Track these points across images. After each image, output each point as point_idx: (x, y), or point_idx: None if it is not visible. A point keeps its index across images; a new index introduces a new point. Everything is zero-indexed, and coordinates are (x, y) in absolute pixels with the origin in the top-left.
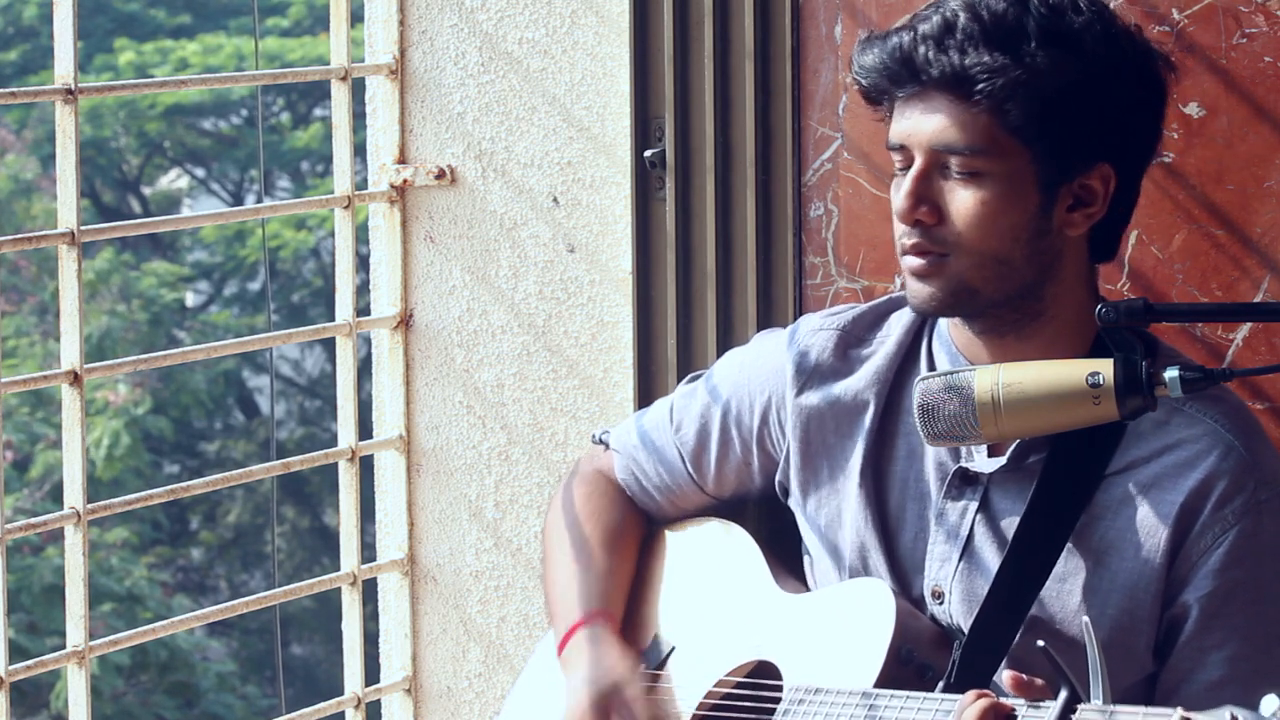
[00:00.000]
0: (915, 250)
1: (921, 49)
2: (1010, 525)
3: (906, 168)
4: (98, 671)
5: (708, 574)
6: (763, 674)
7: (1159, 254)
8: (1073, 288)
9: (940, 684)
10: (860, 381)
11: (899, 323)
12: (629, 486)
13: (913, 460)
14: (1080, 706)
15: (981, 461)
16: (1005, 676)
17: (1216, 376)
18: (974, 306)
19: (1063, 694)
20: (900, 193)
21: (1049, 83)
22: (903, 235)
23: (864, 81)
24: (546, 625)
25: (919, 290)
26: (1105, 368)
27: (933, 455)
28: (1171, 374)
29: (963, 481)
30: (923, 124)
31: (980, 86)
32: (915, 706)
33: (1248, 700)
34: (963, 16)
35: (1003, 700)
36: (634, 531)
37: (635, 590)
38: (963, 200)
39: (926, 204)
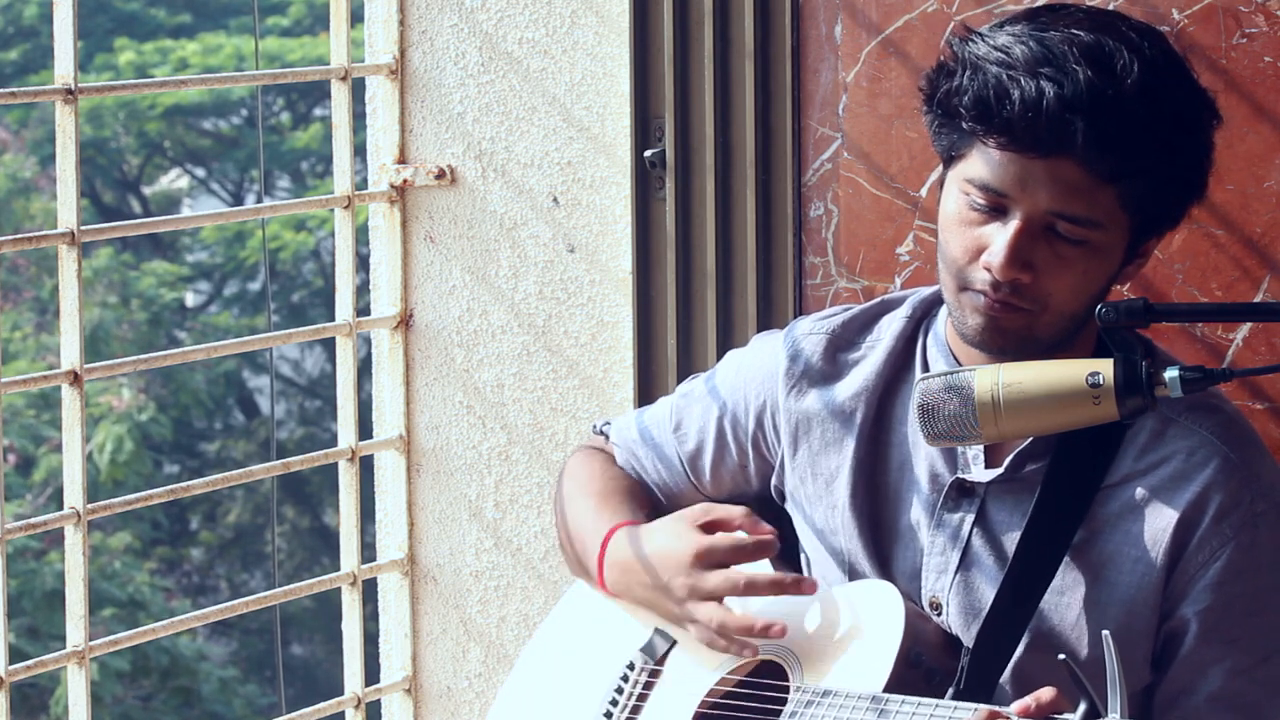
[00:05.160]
0: (1002, 304)
1: (1075, 121)
2: (1008, 536)
3: (990, 208)
4: (98, 677)
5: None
6: (766, 673)
7: (1159, 254)
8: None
9: (951, 690)
10: (849, 388)
11: (889, 327)
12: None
13: (905, 470)
14: None
15: (978, 472)
16: (1013, 707)
17: (1216, 376)
18: (1030, 352)
19: (1082, 707)
20: (1000, 249)
21: (1178, 167)
22: (982, 281)
23: (966, 121)
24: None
25: (985, 330)
26: (1105, 368)
27: (926, 466)
28: (1171, 374)
29: (959, 493)
30: (1043, 187)
31: (1128, 168)
32: (927, 714)
33: (1253, 711)
34: (1101, 84)
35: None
36: (646, 495)
37: None
38: (1065, 267)
39: (1026, 264)
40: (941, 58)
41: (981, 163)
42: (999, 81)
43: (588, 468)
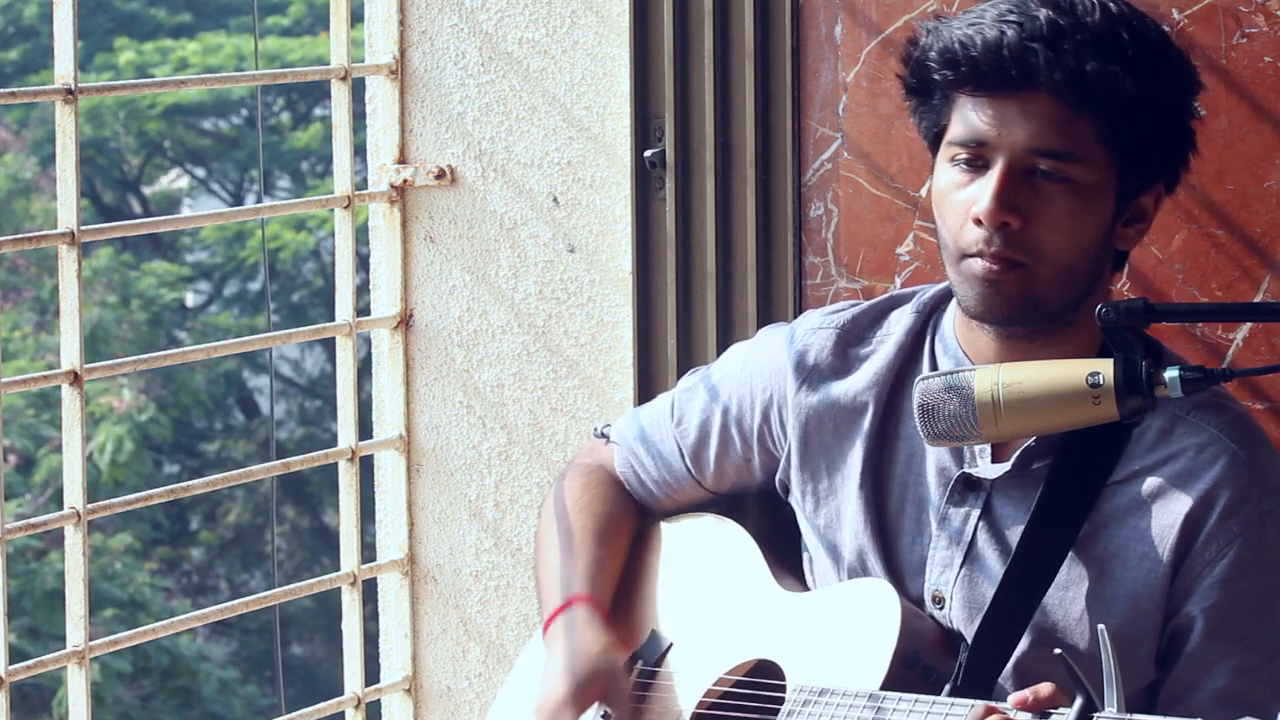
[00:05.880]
0: (996, 257)
1: (1037, 49)
2: (1013, 532)
3: (974, 162)
4: (98, 678)
5: (706, 569)
6: (763, 673)
7: (1159, 254)
8: (1101, 299)
9: (946, 688)
10: (859, 382)
11: (899, 322)
12: (627, 480)
13: (913, 464)
14: (1095, 715)
15: (985, 467)
16: (1010, 700)
17: (1216, 376)
18: (1034, 317)
19: (1078, 702)
20: (987, 194)
21: (1151, 97)
22: (977, 240)
23: (937, 73)
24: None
25: (987, 298)
26: (1105, 368)
27: (934, 459)
28: (1171, 374)
29: (965, 487)
30: (1019, 125)
31: (1096, 94)
32: (924, 711)
33: (1257, 710)
34: (1063, 21)
35: (1012, 715)
36: (627, 523)
37: (631, 584)
38: (1051, 207)
39: (1014, 208)
40: (910, 37)
41: (960, 122)
42: (964, 32)
43: (567, 501)
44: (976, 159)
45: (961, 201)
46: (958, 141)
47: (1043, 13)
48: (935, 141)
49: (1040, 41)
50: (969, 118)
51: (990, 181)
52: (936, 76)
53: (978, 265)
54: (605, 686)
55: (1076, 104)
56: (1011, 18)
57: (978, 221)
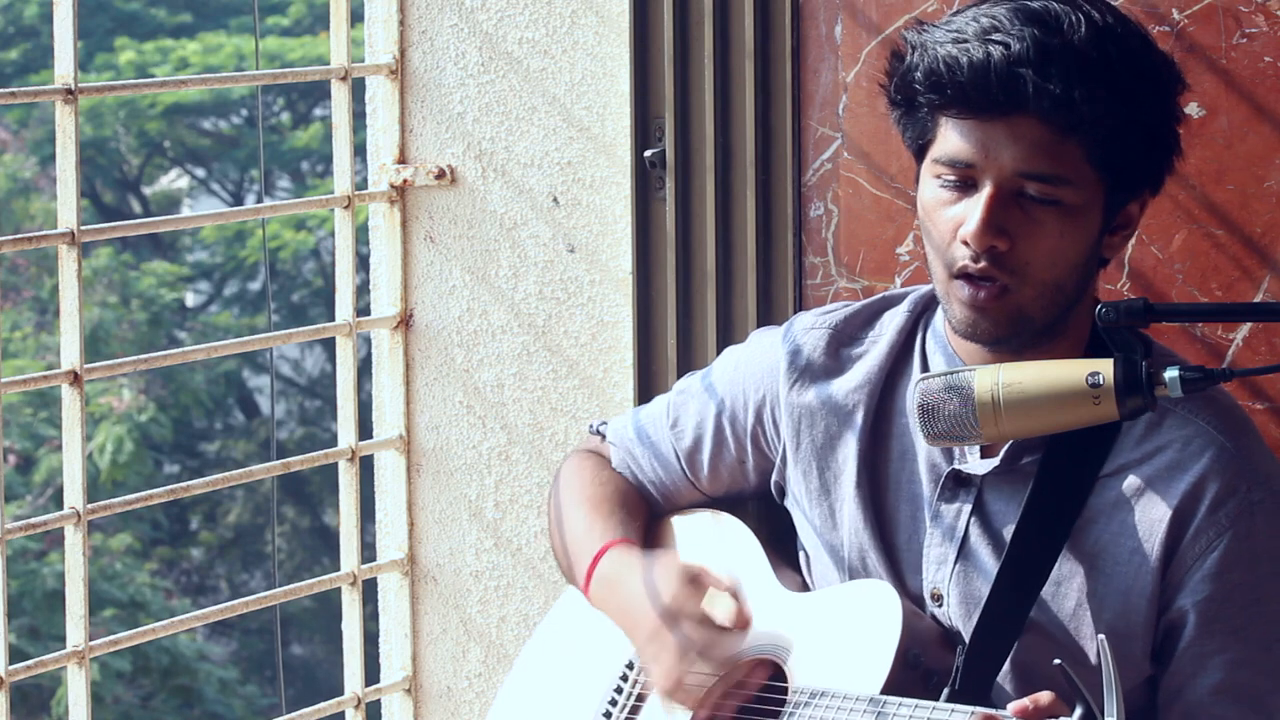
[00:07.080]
0: (983, 277)
1: (1024, 74)
2: (1005, 527)
3: (961, 183)
4: (98, 678)
5: (707, 566)
6: (764, 673)
7: (1159, 254)
8: (1089, 304)
9: (946, 690)
10: (852, 381)
11: (891, 322)
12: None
13: (905, 461)
14: None
15: (974, 463)
16: (1010, 708)
17: (1216, 376)
18: (1023, 334)
19: (1078, 711)
20: (975, 218)
21: (1140, 118)
22: (963, 259)
23: (923, 95)
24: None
25: (976, 320)
26: (1105, 368)
27: (925, 456)
28: (1171, 374)
29: (956, 483)
30: (1006, 148)
31: (1085, 118)
32: (924, 717)
33: (1257, 702)
34: (1049, 41)
35: None
36: (642, 502)
37: None
38: (1040, 229)
39: (1002, 231)
40: (895, 48)
41: (946, 140)
42: (949, 52)
43: (580, 475)
44: (964, 180)
45: (949, 219)
46: (944, 162)
47: (1028, 31)
48: (920, 152)
49: (1027, 65)
50: (955, 139)
51: (978, 205)
52: (922, 99)
53: (966, 291)
54: (688, 593)
55: (1065, 128)
56: (996, 37)
57: (965, 242)
